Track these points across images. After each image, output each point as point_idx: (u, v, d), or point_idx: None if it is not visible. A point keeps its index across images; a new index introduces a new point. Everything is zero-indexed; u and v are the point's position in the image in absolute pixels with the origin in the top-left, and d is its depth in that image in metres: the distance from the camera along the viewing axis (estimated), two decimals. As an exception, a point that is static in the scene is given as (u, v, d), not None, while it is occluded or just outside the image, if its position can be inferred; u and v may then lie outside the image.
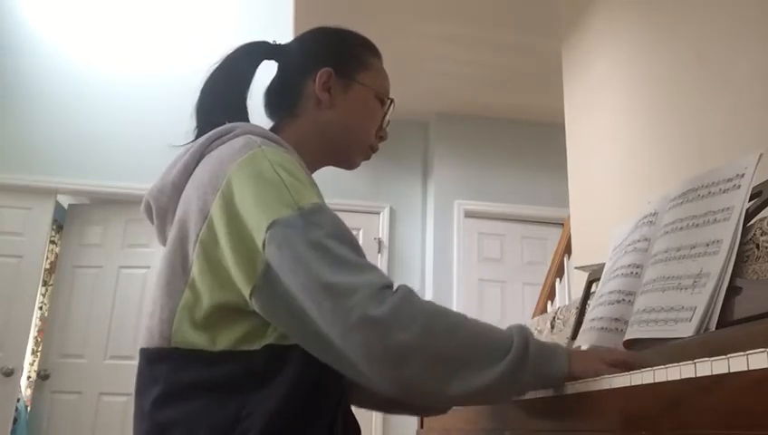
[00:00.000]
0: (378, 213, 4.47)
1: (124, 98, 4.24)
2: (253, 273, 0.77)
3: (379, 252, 4.37)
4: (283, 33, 2.47)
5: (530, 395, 0.95)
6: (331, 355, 0.75)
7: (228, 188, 0.82)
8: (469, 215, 4.37)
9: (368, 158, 1.09)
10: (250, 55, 1.04)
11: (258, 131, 0.92)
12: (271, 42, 1.07)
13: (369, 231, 4.42)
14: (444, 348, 0.72)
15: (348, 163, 1.08)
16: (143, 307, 4.00)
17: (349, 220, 4.22)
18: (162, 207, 0.95)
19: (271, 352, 0.79)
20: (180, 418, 0.80)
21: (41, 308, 5.27)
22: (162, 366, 0.84)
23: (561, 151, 3.11)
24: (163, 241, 0.96)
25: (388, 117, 1.08)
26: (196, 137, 0.97)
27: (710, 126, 1.93)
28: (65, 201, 4.43)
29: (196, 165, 0.91)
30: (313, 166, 1.04)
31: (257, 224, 0.78)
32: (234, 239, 0.80)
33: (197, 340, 0.82)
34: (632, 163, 2.40)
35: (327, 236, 0.76)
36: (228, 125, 0.94)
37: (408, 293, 0.74)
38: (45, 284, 5.16)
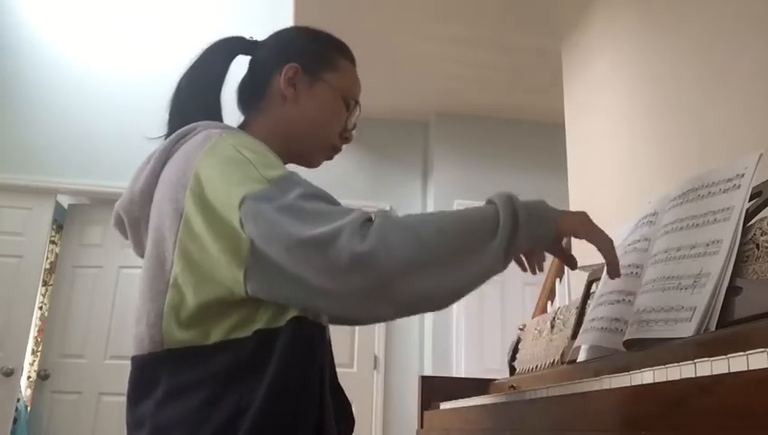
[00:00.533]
0: (378, 213, 4.47)
1: (124, 98, 4.23)
2: (240, 256, 0.77)
3: (379, 252, 4.38)
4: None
5: (530, 395, 0.95)
6: (338, 306, 0.75)
7: (197, 182, 0.82)
8: (469, 215, 4.36)
9: (330, 158, 1.07)
10: (224, 51, 1.04)
11: (219, 126, 0.93)
12: (247, 37, 1.07)
13: (369, 231, 4.41)
14: (439, 249, 0.75)
15: (308, 161, 1.06)
16: (143, 307, 4.00)
17: (349, 220, 4.10)
18: (134, 218, 0.95)
19: (261, 337, 0.79)
20: (180, 418, 0.79)
21: (41, 308, 5.27)
22: (159, 369, 0.84)
23: (561, 151, 3.11)
24: (140, 252, 0.96)
25: (353, 119, 1.06)
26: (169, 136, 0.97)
27: (710, 126, 1.93)
28: (65, 201, 4.43)
29: (162, 169, 0.91)
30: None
31: (229, 204, 0.78)
32: (213, 229, 0.79)
33: (188, 337, 0.82)
34: (632, 163, 2.40)
35: (298, 198, 0.77)
36: (190, 125, 0.94)
37: (385, 216, 0.75)
38: (45, 284, 5.16)
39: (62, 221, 4.60)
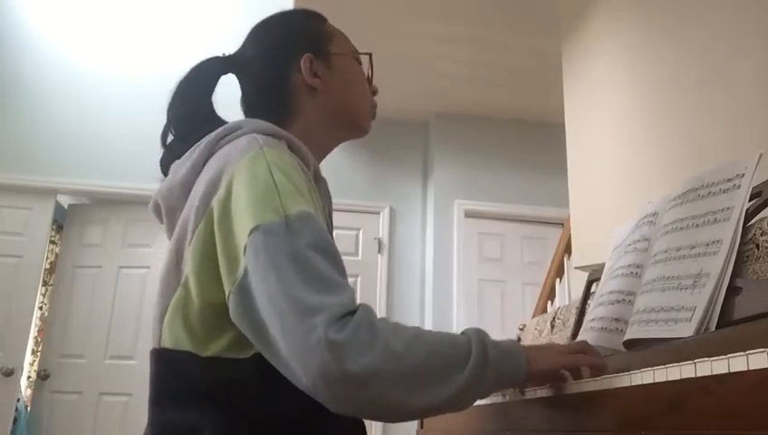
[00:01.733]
0: (378, 213, 4.47)
1: (124, 98, 4.23)
2: (232, 276, 0.77)
3: (379, 252, 4.37)
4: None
5: (530, 395, 0.95)
6: (286, 369, 0.72)
7: (228, 188, 0.82)
8: (469, 215, 4.36)
9: (374, 117, 1.09)
10: (205, 76, 1.02)
11: (264, 129, 0.91)
12: (221, 55, 1.04)
13: (369, 231, 4.42)
14: (405, 367, 0.71)
15: (360, 131, 1.07)
16: (143, 307, 4.01)
17: (349, 220, 4.24)
18: (171, 207, 0.94)
19: (263, 361, 0.77)
20: (179, 422, 0.80)
21: (41, 308, 5.27)
22: (153, 367, 0.85)
23: (561, 151, 3.11)
24: None
25: (370, 70, 1.08)
26: (172, 156, 0.96)
27: (710, 126, 1.93)
28: (65, 201, 4.43)
29: (205, 163, 0.91)
30: (326, 149, 1.05)
31: (242, 227, 0.77)
32: (223, 239, 0.80)
33: (185, 342, 0.82)
34: (632, 163, 2.40)
35: (307, 248, 0.74)
36: (235, 122, 0.94)
37: (366, 314, 0.72)
38: (45, 284, 5.16)
39: (62, 221, 4.60)
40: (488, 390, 0.77)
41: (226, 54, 1.05)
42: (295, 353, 0.69)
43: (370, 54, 1.08)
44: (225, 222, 0.80)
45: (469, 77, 4.12)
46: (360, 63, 1.07)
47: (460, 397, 0.74)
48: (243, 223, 0.78)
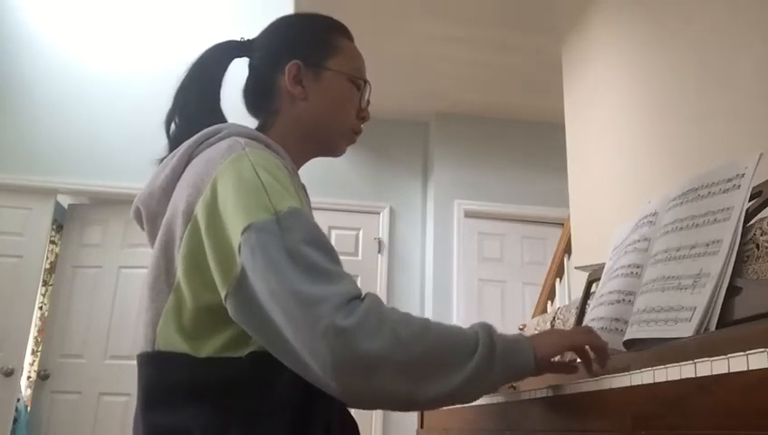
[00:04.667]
0: (378, 213, 4.46)
1: (124, 98, 4.23)
2: (228, 277, 0.77)
3: (379, 252, 4.37)
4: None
5: (530, 395, 0.95)
6: (297, 364, 0.73)
7: (213, 191, 0.82)
8: (469, 215, 4.36)
9: (353, 141, 1.06)
10: (219, 57, 1.03)
11: (244, 132, 0.92)
12: (238, 39, 1.05)
13: (369, 231, 4.42)
14: (412, 354, 0.72)
15: (333, 151, 1.05)
16: (143, 307, 4.00)
17: (349, 220, 4.23)
18: (152, 212, 0.95)
19: (258, 360, 0.78)
20: (173, 424, 0.80)
21: (41, 308, 5.27)
22: (147, 370, 0.85)
23: (561, 151, 3.11)
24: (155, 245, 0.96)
25: (366, 98, 1.05)
26: (176, 142, 0.97)
27: (710, 126, 1.93)
28: (65, 201, 4.43)
29: (185, 168, 0.91)
30: (301, 159, 1.03)
31: (234, 227, 0.78)
32: (213, 242, 0.80)
33: (181, 344, 0.82)
34: (632, 163, 2.40)
35: (301, 242, 0.75)
36: (214, 127, 0.94)
37: (374, 302, 0.74)
38: (45, 284, 5.16)
39: (62, 221, 4.60)
40: (497, 380, 0.77)
41: (243, 38, 1.05)
42: (305, 345, 0.70)
43: (367, 82, 1.04)
44: (213, 225, 0.81)
45: (469, 77, 4.12)
46: (358, 88, 1.03)
47: (468, 387, 0.74)
48: (234, 223, 0.78)
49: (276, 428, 0.78)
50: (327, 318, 0.69)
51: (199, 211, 0.82)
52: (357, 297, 0.73)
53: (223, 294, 0.78)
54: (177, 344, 0.82)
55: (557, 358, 0.88)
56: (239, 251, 0.76)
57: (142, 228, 0.98)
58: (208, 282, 0.80)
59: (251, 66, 1.05)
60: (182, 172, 0.91)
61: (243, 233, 0.76)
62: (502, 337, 0.78)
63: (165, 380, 0.82)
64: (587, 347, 0.83)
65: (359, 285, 0.76)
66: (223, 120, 1.01)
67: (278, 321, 0.73)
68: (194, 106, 0.99)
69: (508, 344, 0.78)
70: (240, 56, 1.04)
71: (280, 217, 0.77)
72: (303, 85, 0.99)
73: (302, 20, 1.08)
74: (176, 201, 0.88)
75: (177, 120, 1.00)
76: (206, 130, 0.93)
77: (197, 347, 0.81)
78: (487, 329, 0.78)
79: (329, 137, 1.03)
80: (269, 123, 1.01)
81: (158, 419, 0.82)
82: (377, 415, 4.03)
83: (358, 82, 1.03)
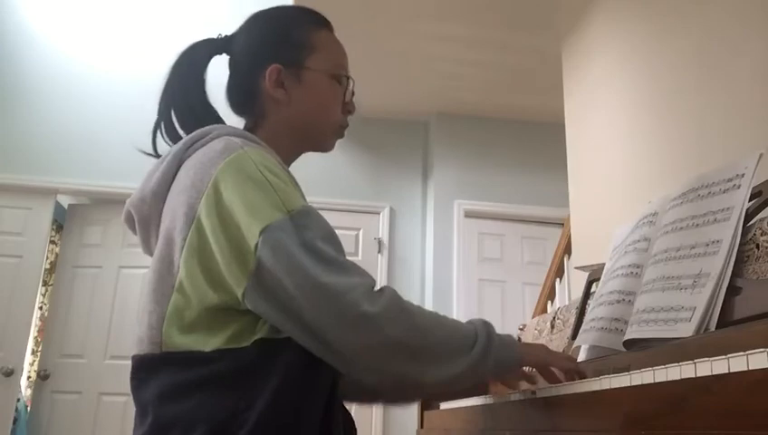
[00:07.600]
0: (378, 213, 4.46)
1: (125, 98, 4.23)
2: (244, 273, 0.79)
3: (379, 252, 4.37)
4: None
5: (530, 395, 0.95)
6: (325, 350, 0.79)
7: (215, 190, 0.83)
8: (469, 215, 4.36)
9: (341, 136, 1.07)
10: (197, 57, 1.04)
11: (235, 133, 0.93)
12: (216, 36, 1.05)
13: (369, 231, 4.41)
14: (426, 342, 0.81)
15: (321, 147, 1.06)
16: (143, 307, 4.01)
17: (349, 220, 4.24)
18: (144, 217, 0.95)
19: (261, 347, 0.81)
20: (180, 415, 0.80)
21: (41, 308, 5.27)
22: (156, 371, 0.85)
23: (561, 151, 3.11)
24: (148, 251, 0.97)
25: (350, 91, 1.05)
26: (172, 142, 0.98)
27: (710, 126, 1.93)
28: (65, 201, 4.43)
29: (176, 172, 0.91)
30: (291, 157, 1.04)
31: (249, 227, 0.79)
32: (224, 239, 0.81)
33: (188, 343, 0.83)
34: (632, 163, 2.40)
35: (317, 238, 0.81)
36: (203, 129, 0.94)
37: (395, 293, 0.82)
38: (45, 284, 5.16)
39: (62, 221, 4.60)
40: (486, 373, 0.87)
41: (221, 35, 1.05)
42: (334, 332, 0.77)
43: (349, 77, 1.05)
44: (221, 224, 0.81)
45: (469, 77, 4.12)
46: (339, 83, 1.03)
47: (465, 375, 0.83)
48: (248, 223, 0.79)
49: (279, 403, 0.79)
50: (355, 306, 0.76)
51: (203, 212, 0.83)
52: (380, 289, 0.81)
53: (240, 291, 0.79)
54: (184, 344, 0.83)
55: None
56: (256, 249, 0.78)
57: (134, 233, 0.99)
58: (215, 280, 0.81)
59: (231, 66, 1.04)
60: (174, 176, 0.91)
61: (260, 233, 0.78)
62: (497, 336, 0.88)
63: (175, 378, 0.83)
64: (555, 370, 0.92)
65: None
66: (216, 115, 1.01)
67: (306, 312, 0.77)
68: (181, 110, 1.00)
69: (501, 343, 0.87)
70: (219, 53, 1.04)
71: (293, 215, 0.81)
72: (285, 88, 0.99)
73: (278, 16, 1.06)
74: (173, 204, 0.88)
75: (163, 127, 1.01)
76: (195, 133, 0.94)
77: (204, 343, 0.82)
78: (486, 327, 0.87)
79: (316, 135, 1.04)
80: (257, 124, 1.02)
81: (168, 412, 0.82)
82: (377, 416, 4.03)
83: (339, 77, 1.03)
